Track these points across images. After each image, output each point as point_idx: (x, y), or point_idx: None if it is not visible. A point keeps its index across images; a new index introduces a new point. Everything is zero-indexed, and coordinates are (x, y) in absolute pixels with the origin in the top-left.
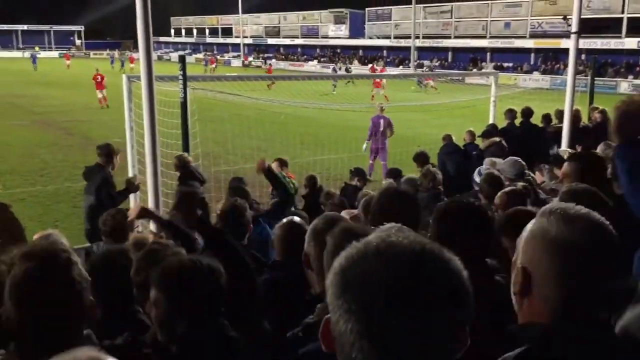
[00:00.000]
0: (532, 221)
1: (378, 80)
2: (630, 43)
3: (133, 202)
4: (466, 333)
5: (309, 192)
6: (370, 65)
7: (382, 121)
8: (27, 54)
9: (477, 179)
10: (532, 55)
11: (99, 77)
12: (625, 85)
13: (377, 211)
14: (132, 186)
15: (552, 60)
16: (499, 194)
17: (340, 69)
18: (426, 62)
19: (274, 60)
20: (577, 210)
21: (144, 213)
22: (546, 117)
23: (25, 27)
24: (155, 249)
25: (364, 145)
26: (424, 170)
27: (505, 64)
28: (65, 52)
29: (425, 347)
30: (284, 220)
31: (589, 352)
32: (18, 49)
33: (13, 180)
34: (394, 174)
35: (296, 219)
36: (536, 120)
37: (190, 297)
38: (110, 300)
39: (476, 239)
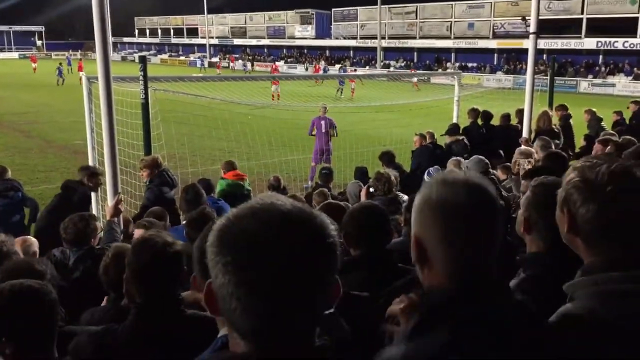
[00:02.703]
0: (417, 193)
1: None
2: (589, 43)
3: (109, 199)
4: (336, 284)
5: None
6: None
7: (323, 122)
8: None
9: (427, 179)
10: (496, 55)
11: None
12: (585, 85)
13: None
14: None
15: (514, 61)
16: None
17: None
18: (392, 62)
19: (240, 61)
20: (455, 174)
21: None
22: (505, 117)
23: None
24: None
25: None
26: (376, 173)
27: (470, 64)
28: (31, 53)
29: (295, 293)
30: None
31: (482, 311)
32: None
33: None
34: (361, 172)
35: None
36: (495, 120)
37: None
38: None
39: None
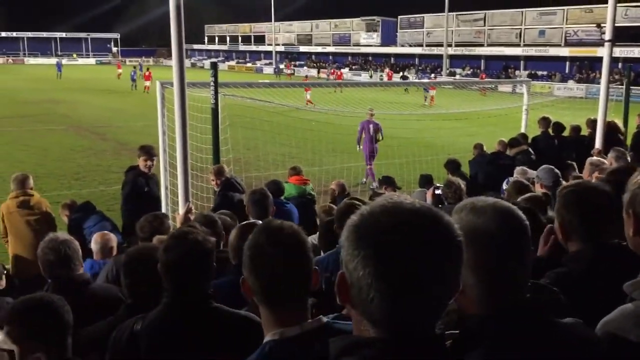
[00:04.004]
0: None
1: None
2: None
3: (181, 207)
4: (458, 279)
5: (336, 199)
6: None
7: (371, 126)
8: (65, 60)
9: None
10: (567, 63)
11: None
12: None
13: None
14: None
15: (587, 69)
16: (519, 200)
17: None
18: (458, 70)
19: (305, 67)
20: (484, 201)
21: (188, 220)
22: (575, 129)
23: (63, 34)
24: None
25: (358, 148)
26: (447, 180)
27: (540, 72)
28: (116, 60)
29: (427, 287)
30: (238, 224)
31: (514, 333)
32: (56, 55)
33: (50, 183)
34: (426, 180)
35: (251, 222)
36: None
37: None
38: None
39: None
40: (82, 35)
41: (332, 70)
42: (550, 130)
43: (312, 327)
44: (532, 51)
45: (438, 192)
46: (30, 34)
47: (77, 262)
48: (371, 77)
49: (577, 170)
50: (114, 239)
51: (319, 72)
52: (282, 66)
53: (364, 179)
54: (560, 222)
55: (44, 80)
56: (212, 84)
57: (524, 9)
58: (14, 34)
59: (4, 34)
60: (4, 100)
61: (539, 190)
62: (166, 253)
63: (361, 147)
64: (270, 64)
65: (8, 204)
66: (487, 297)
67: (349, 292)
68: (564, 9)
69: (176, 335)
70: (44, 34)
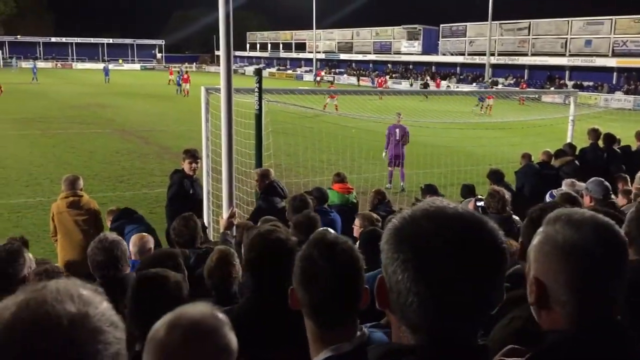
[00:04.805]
0: (539, 231)
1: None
2: None
3: (224, 211)
4: (503, 286)
5: (377, 207)
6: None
7: (397, 130)
8: (111, 65)
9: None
10: (615, 74)
11: None
12: None
13: None
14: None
15: (636, 80)
16: None
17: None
18: (501, 80)
19: (345, 75)
20: (581, 214)
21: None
22: (608, 137)
23: (110, 40)
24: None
25: (384, 154)
26: (491, 189)
27: (586, 83)
28: (168, 67)
29: (471, 292)
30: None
31: (591, 354)
32: (103, 60)
33: (96, 185)
34: (468, 189)
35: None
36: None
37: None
38: None
39: None
40: (128, 41)
41: (377, 77)
42: (600, 142)
43: (361, 342)
44: (578, 61)
45: (480, 204)
46: (78, 40)
47: (125, 263)
48: (411, 85)
49: (629, 183)
50: (151, 241)
51: (359, 80)
52: (323, 73)
53: (402, 183)
54: (627, 232)
55: (91, 84)
56: (256, 90)
57: (570, 19)
58: (63, 39)
59: (53, 39)
60: (54, 104)
61: (588, 203)
62: (250, 252)
63: (387, 152)
64: (311, 71)
65: (58, 204)
66: (579, 314)
67: (388, 296)
68: (611, 19)
69: (257, 332)
70: (92, 40)
